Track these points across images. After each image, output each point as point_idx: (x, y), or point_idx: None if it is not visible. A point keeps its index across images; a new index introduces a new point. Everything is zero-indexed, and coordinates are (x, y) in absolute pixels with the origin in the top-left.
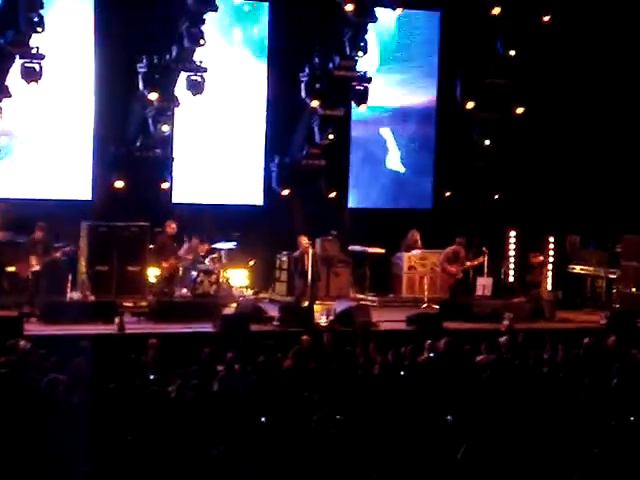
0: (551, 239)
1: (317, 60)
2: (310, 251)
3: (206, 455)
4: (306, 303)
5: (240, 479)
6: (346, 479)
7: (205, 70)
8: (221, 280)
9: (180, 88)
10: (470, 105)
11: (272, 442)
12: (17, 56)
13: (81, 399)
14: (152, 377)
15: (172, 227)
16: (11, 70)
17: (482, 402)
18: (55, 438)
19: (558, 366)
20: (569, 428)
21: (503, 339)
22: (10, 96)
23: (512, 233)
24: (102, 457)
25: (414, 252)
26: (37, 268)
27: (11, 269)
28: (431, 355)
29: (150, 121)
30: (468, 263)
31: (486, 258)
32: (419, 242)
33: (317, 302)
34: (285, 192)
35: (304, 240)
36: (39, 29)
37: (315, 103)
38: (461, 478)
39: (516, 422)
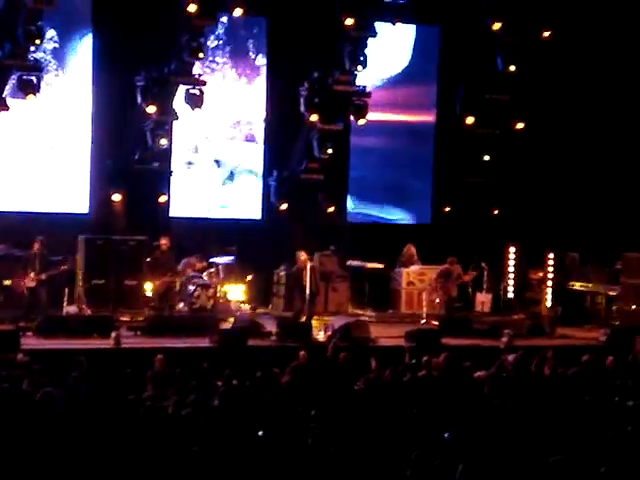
0: (551, 255)
1: (316, 74)
2: (309, 266)
3: (203, 470)
4: (304, 318)
5: None
6: None
7: (204, 84)
8: (219, 295)
9: (179, 102)
10: (470, 120)
11: (269, 457)
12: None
13: (76, 413)
14: (147, 393)
15: (164, 243)
16: (8, 83)
17: (480, 418)
18: (50, 451)
19: (558, 382)
20: (569, 443)
21: (511, 357)
22: (7, 109)
23: (512, 249)
24: (98, 471)
25: (413, 267)
26: (33, 284)
27: (7, 283)
28: (430, 371)
29: (148, 134)
30: (461, 279)
31: (485, 274)
32: (415, 256)
33: (315, 317)
34: (283, 206)
35: (302, 255)
36: (37, 41)
37: (314, 117)
38: None
39: (515, 438)
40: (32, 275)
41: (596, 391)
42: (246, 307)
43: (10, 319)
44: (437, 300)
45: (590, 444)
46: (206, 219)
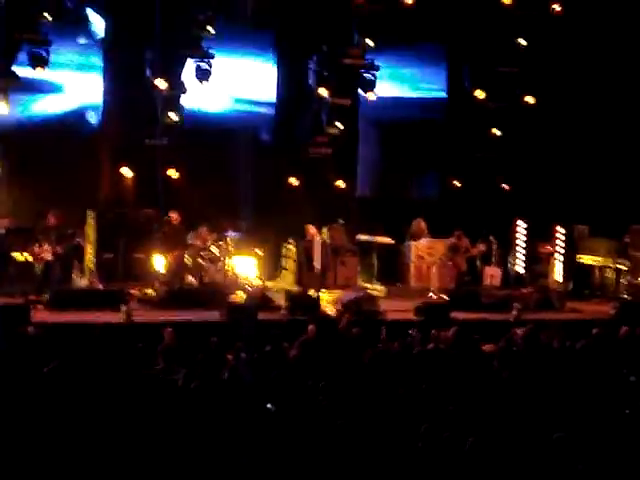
0: (559, 229)
1: (325, 48)
2: (319, 240)
3: (214, 444)
4: (313, 292)
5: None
6: (352, 469)
7: (212, 57)
8: (228, 268)
9: (189, 75)
10: (480, 94)
11: (279, 431)
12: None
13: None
14: (159, 367)
15: (175, 217)
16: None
17: (489, 392)
18: (60, 426)
19: (568, 356)
20: (576, 418)
21: (520, 331)
22: (19, 81)
23: (520, 223)
24: (107, 447)
25: (422, 241)
26: (49, 257)
27: (18, 256)
28: (438, 344)
29: (158, 109)
30: (469, 253)
31: (494, 248)
32: (425, 231)
33: (324, 291)
34: (292, 180)
35: (311, 229)
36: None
37: (323, 91)
38: (469, 470)
39: (523, 412)
40: (48, 248)
41: (605, 364)
42: (256, 280)
43: (21, 292)
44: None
45: (596, 419)
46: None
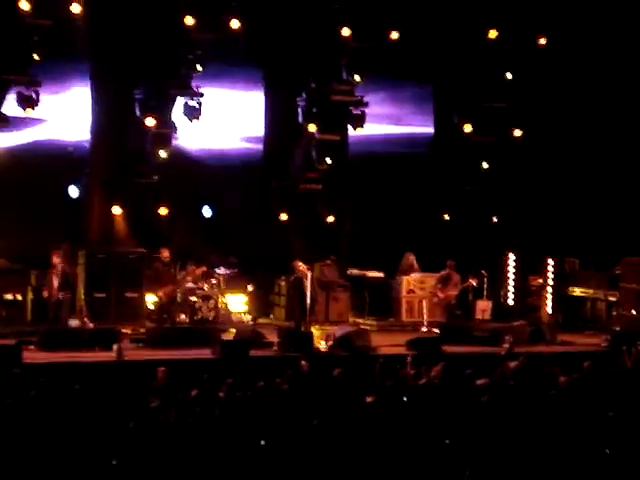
0: (550, 262)
1: (314, 85)
2: (309, 275)
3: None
4: (304, 328)
5: None
6: None
7: (202, 95)
8: (220, 306)
9: (177, 114)
10: (468, 129)
11: (272, 466)
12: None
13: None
14: (153, 404)
15: (165, 254)
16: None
17: (482, 426)
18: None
19: (560, 390)
20: (569, 450)
21: (513, 364)
22: (8, 123)
23: (511, 256)
24: None
25: (413, 275)
26: (61, 297)
27: (8, 296)
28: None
29: (147, 147)
30: (464, 285)
31: (485, 281)
32: (415, 265)
33: (316, 327)
34: (283, 217)
35: (300, 265)
36: (36, 56)
37: (312, 127)
38: None
39: (517, 446)
40: (56, 286)
41: (596, 400)
42: (247, 317)
43: (11, 333)
44: (435, 300)
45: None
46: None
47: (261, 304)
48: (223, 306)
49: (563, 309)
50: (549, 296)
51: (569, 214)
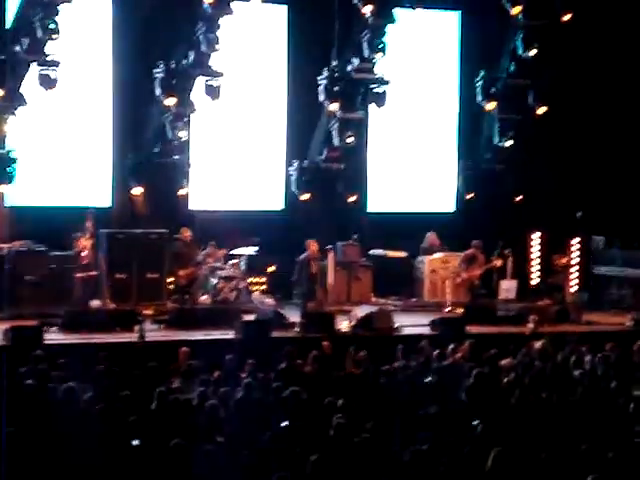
0: (575, 241)
1: (335, 63)
2: (331, 255)
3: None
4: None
5: None
6: None
7: (222, 75)
8: (241, 286)
9: (198, 93)
10: (491, 106)
11: (294, 448)
12: (33, 63)
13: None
14: (174, 385)
15: (187, 234)
16: (27, 77)
17: (507, 407)
18: (73, 447)
19: (585, 369)
20: (595, 431)
21: (538, 344)
22: (26, 104)
23: (536, 235)
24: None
25: (436, 255)
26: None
27: (29, 278)
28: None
29: (167, 127)
30: (488, 265)
31: (510, 260)
32: (438, 244)
33: (338, 307)
34: (305, 196)
35: (313, 244)
36: (55, 36)
37: (334, 106)
38: None
39: (542, 426)
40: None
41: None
42: (269, 298)
43: (34, 314)
44: (458, 280)
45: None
46: (227, 211)
47: (283, 285)
48: (245, 287)
49: (588, 288)
50: (574, 275)
51: (594, 192)
